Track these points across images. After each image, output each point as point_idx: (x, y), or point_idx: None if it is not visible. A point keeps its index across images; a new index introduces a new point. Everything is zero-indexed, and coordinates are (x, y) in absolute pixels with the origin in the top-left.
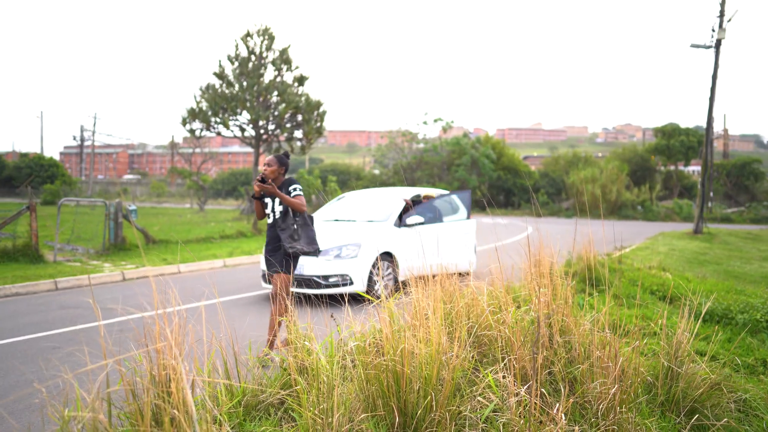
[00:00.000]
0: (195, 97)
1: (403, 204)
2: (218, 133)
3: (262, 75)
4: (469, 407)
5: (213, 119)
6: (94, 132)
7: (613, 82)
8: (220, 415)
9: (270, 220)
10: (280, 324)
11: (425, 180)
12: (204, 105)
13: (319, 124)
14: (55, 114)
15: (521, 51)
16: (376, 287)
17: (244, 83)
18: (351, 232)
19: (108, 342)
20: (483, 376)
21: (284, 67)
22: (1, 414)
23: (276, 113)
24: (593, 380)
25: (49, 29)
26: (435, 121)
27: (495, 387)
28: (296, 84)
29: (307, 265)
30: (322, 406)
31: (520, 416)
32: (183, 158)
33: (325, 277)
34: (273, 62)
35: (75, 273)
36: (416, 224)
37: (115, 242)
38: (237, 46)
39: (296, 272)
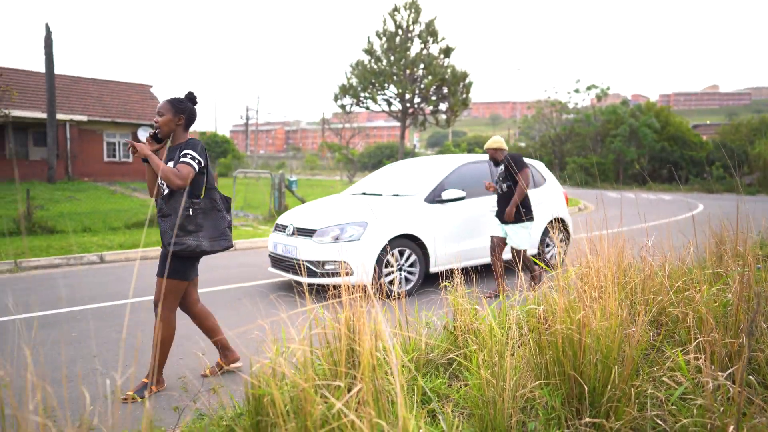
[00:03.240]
0: (346, 74)
1: (444, 174)
2: (367, 108)
3: (408, 49)
4: (650, 387)
5: (362, 94)
6: (257, 111)
7: None
8: (409, 362)
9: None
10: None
11: (575, 152)
12: (354, 81)
13: (464, 95)
14: (227, 96)
15: (690, 2)
16: (390, 279)
17: (392, 58)
18: (362, 208)
19: (311, 293)
20: (668, 356)
21: (430, 40)
22: (234, 341)
23: (422, 86)
24: None
25: (223, 24)
26: (588, 88)
27: (685, 369)
28: (442, 56)
29: (301, 248)
30: (493, 369)
31: (719, 403)
32: (333, 133)
33: (320, 264)
34: (419, 35)
35: (248, 236)
36: (453, 199)
37: (278, 210)
38: (385, 21)
39: (289, 255)
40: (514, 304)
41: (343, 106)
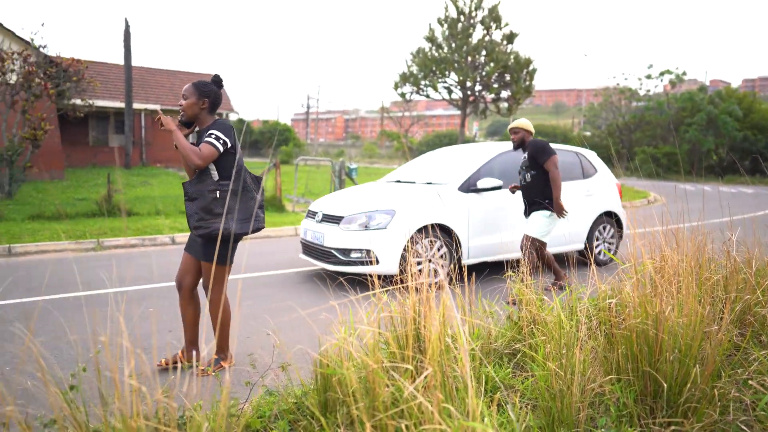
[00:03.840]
0: (406, 61)
1: (482, 162)
2: (427, 96)
3: (470, 35)
4: (733, 390)
5: (422, 82)
6: (317, 100)
7: None
8: (478, 350)
9: None
10: (223, 331)
11: (645, 142)
12: (414, 69)
13: (528, 82)
14: (289, 85)
15: None
16: (418, 270)
17: (453, 45)
18: (392, 196)
19: (380, 278)
20: (755, 358)
21: (493, 26)
22: (305, 322)
23: (484, 73)
24: None
25: (286, 14)
26: (661, 74)
27: None
28: (505, 42)
29: (328, 235)
30: (560, 362)
31: None
32: (392, 121)
33: (345, 251)
34: (482, 21)
35: None
36: (489, 188)
37: None
38: (446, 7)
39: (317, 242)
40: (582, 297)
41: (403, 94)
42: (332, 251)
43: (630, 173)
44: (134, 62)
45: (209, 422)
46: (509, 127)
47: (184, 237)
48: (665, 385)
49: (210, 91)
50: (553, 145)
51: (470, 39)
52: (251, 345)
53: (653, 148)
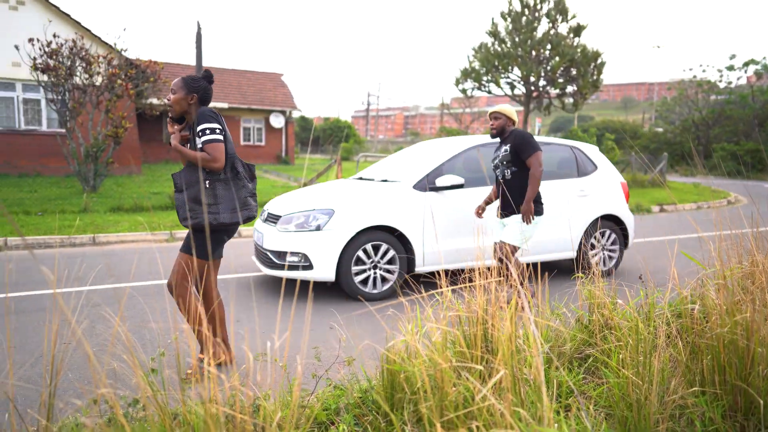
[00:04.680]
0: (468, 57)
1: (446, 158)
2: (489, 92)
3: (535, 29)
4: None
5: (484, 78)
6: (378, 97)
7: None
8: (550, 351)
9: None
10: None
11: (724, 138)
12: (476, 64)
13: (595, 77)
14: (350, 82)
15: None
16: (364, 278)
17: (517, 39)
18: (335, 195)
19: (447, 276)
20: None
21: (559, 18)
22: (371, 317)
23: (548, 68)
24: None
25: (347, 11)
26: (745, 64)
27: None
28: (572, 35)
29: (267, 236)
30: (637, 369)
31: None
32: (452, 118)
33: (281, 254)
34: (547, 14)
35: None
36: (449, 187)
37: None
38: (510, 1)
39: (259, 243)
40: (658, 301)
41: (464, 90)
42: (268, 253)
43: (707, 171)
44: (204, 63)
45: (282, 412)
46: (490, 111)
47: (250, 231)
48: (761, 402)
49: (199, 87)
50: (547, 138)
51: (535, 33)
52: (317, 338)
53: (734, 145)
